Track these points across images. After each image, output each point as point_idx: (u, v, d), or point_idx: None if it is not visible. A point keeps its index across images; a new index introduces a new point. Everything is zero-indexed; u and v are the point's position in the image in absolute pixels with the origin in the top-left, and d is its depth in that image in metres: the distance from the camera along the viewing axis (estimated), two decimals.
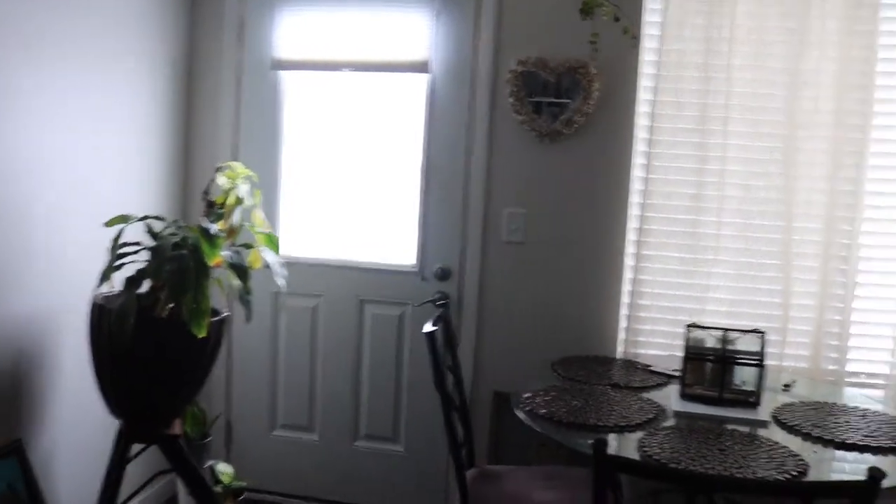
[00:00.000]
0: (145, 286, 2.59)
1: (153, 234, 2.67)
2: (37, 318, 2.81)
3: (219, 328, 2.71)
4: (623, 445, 2.30)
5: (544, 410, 2.48)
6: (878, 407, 2.76)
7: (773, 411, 2.61)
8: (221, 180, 2.84)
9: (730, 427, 2.44)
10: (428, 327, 2.61)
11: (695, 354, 2.70)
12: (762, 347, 2.67)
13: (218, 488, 3.31)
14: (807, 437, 2.39)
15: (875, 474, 1.64)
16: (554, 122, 3.30)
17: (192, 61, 3.64)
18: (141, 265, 2.60)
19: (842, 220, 3.14)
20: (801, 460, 2.16)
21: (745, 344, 2.73)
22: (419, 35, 3.42)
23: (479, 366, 3.48)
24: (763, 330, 2.73)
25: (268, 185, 3.48)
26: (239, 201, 2.80)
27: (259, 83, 3.59)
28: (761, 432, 2.43)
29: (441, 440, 3.45)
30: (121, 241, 2.59)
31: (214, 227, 2.59)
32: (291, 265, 3.13)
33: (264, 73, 3.58)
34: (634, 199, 3.32)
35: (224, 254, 2.60)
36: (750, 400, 2.64)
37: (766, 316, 3.20)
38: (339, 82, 3.56)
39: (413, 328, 3.54)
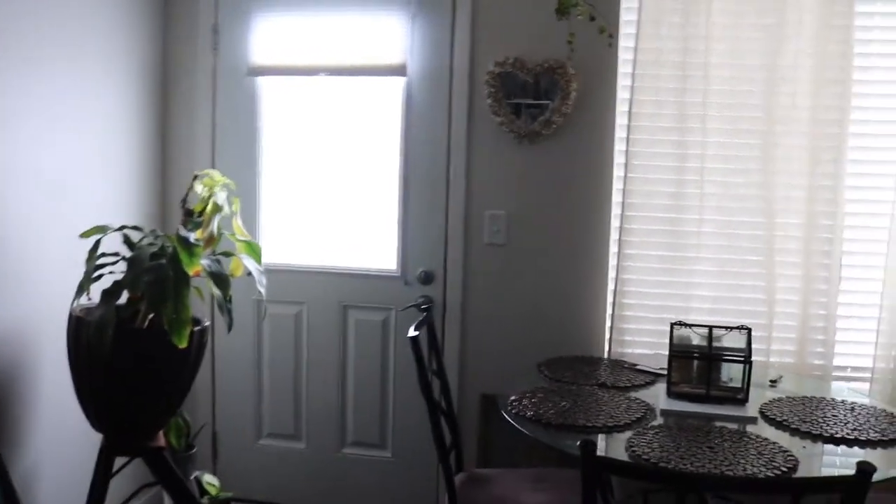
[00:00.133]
0: (124, 297, 2.55)
1: (131, 245, 2.64)
2: (14, 333, 2.76)
3: (200, 338, 2.67)
4: (612, 446, 2.29)
5: (532, 412, 2.46)
6: (865, 400, 2.76)
7: (761, 407, 2.60)
8: (199, 188, 2.80)
9: (718, 424, 2.43)
10: (412, 332, 2.59)
11: (681, 352, 2.69)
12: (748, 344, 2.67)
13: (204, 500, 3.27)
14: (795, 432, 2.39)
15: (865, 468, 1.63)
16: (532, 124, 3.29)
17: (166, 68, 3.60)
18: (119, 276, 2.56)
19: (823, 214, 3.15)
20: (791, 456, 2.16)
21: (731, 341, 2.73)
22: (395, 38, 3.40)
23: (465, 369, 3.46)
24: (748, 326, 2.72)
25: (247, 193, 3.44)
26: (217, 209, 2.76)
27: (235, 89, 3.56)
28: (750, 429, 2.42)
29: (429, 445, 3.39)
30: (98, 251, 2.55)
31: (193, 236, 2.56)
32: (273, 272, 3.10)
33: (240, 79, 3.54)
34: (615, 198, 3.31)
35: (203, 262, 2.57)
36: (737, 397, 2.63)
37: (751, 312, 3.20)
38: (316, 87, 3.53)
39: (397, 333, 3.51)
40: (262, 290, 2.75)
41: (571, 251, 3.36)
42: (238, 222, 2.88)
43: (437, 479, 3.49)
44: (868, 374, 3.17)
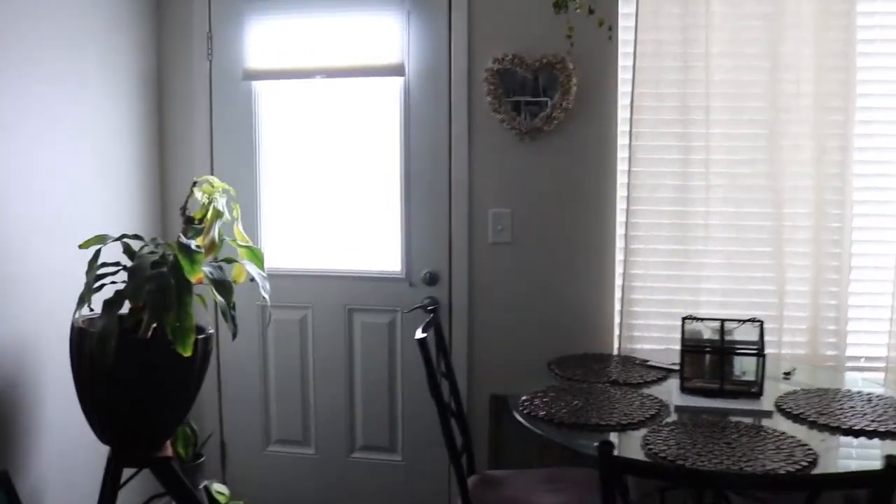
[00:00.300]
0: (126, 307, 2.52)
1: (131, 254, 2.60)
2: (16, 345, 2.72)
3: (205, 346, 2.63)
4: (627, 444, 2.24)
5: (544, 412, 2.42)
6: (881, 390, 2.72)
7: (777, 400, 2.56)
8: (199, 195, 2.77)
9: (734, 419, 2.39)
10: (419, 333, 2.54)
11: (693, 347, 2.65)
12: (761, 336, 2.63)
13: None
14: (813, 425, 2.34)
15: (893, 462, 1.59)
16: (533, 120, 3.25)
17: (161, 76, 3.57)
18: (120, 286, 2.52)
19: (831, 203, 3.11)
20: (810, 450, 2.12)
21: (743, 334, 2.69)
22: (391, 37, 3.36)
23: (474, 370, 3.43)
24: (760, 319, 2.68)
25: (247, 198, 3.41)
26: (218, 215, 2.73)
27: (231, 94, 3.52)
28: (766, 423, 2.38)
29: (440, 447, 3.35)
30: (98, 262, 2.52)
31: (194, 243, 2.52)
32: (276, 277, 3.06)
33: (236, 84, 3.50)
34: (620, 192, 3.27)
35: (205, 269, 2.53)
36: (752, 390, 2.59)
37: (761, 304, 3.16)
38: (313, 90, 3.49)
39: (404, 335, 3.48)
40: (266, 296, 2.72)
41: (577, 247, 3.32)
42: (239, 228, 2.85)
43: (449, 481, 3.45)
44: (882, 364, 3.12)
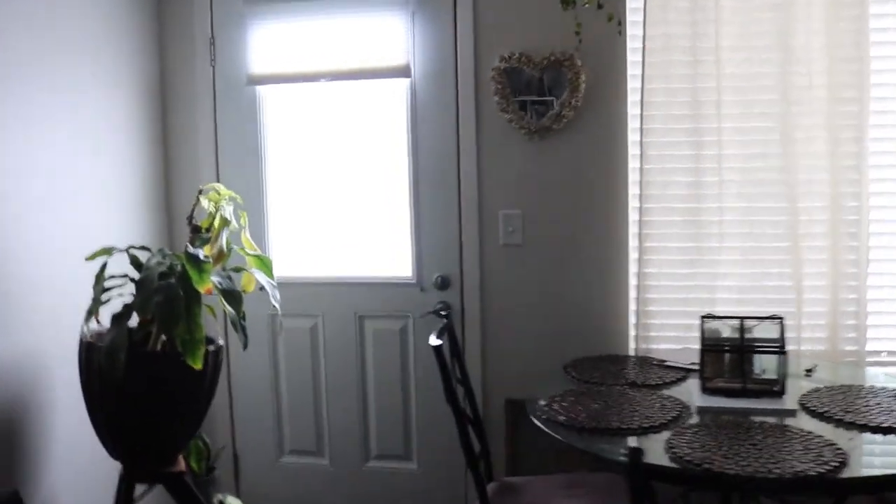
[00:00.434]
0: (135, 320, 2.48)
1: (138, 265, 2.56)
2: (24, 361, 2.68)
3: (215, 357, 2.59)
4: (650, 447, 2.18)
5: (563, 417, 2.37)
6: None
7: (800, 399, 2.50)
8: (205, 203, 2.73)
9: (758, 420, 2.33)
10: (434, 340, 2.49)
11: (714, 346, 2.60)
12: (782, 333, 2.58)
13: None
14: (839, 423, 2.28)
15: None
16: (542, 119, 3.20)
17: (164, 83, 3.53)
18: (128, 298, 2.48)
19: (848, 195, 3.05)
20: (839, 449, 2.06)
21: (763, 331, 2.64)
22: (396, 39, 3.31)
23: (488, 374, 3.38)
24: (781, 315, 2.63)
25: (254, 205, 3.37)
26: (225, 223, 2.69)
27: (235, 100, 3.48)
28: (790, 422, 2.32)
29: (456, 454, 3.32)
30: (105, 274, 2.48)
31: (202, 253, 2.47)
32: (285, 285, 3.01)
33: (240, 90, 3.46)
34: (632, 190, 3.22)
35: (214, 280, 2.49)
36: (774, 389, 2.54)
37: (779, 300, 3.10)
38: (319, 93, 3.45)
39: (416, 341, 3.43)
40: (277, 305, 2.68)
41: (590, 247, 3.26)
42: (247, 236, 2.82)
43: (466, 488, 3.40)
44: None
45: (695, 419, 2.37)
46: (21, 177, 2.67)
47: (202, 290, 2.38)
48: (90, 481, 2.93)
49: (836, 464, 1.96)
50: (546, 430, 2.33)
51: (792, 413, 2.41)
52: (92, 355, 2.45)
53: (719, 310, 2.98)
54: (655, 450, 2.16)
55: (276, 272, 2.80)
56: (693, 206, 3.15)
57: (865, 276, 3.06)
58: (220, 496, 3.29)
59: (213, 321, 2.76)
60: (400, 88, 3.36)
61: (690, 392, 2.60)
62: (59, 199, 2.86)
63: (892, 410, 2.34)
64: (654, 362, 2.97)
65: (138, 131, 3.36)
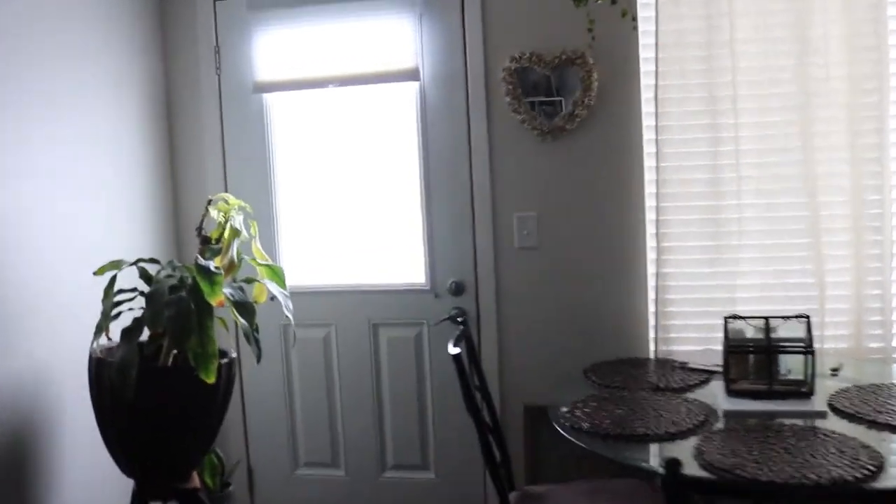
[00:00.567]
0: (145, 334, 2.43)
1: (148, 278, 2.51)
2: (32, 380, 2.63)
3: (228, 371, 2.54)
4: (678, 454, 2.11)
5: (587, 424, 2.30)
6: None
7: (829, 399, 2.43)
8: (214, 213, 2.68)
9: (787, 422, 2.26)
10: (452, 348, 2.43)
11: (739, 347, 2.53)
12: (808, 332, 2.51)
13: None
14: (872, 424, 2.21)
15: None
16: (555, 119, 3.14)
17: (170, 93, 3.48)
18: (138, 313, 2.43)
19: (869, 188, 2.99)
20: (875, 452, 1.99)
21: (787, 330, 2.57)
22: (404, 41, 3.25)
23: (505, 380, 3.31)
24: (806, 314, 2.56)
25: (263, 214, 3.32)
26: (235, 234, 2.64)
27: (242, 109, 3.43)
28: (821, 424, 2.25)
29: (474, 462, 3.31)
30: (114, 288, 2.43)
31: (212, 265, 2.42)
32: (296, 294, 2.95)
33: (246, 98, 3.41)
34: (648, 189, 3.16)
35: (226, 291, 2.43)
36: (802, 390, 2.47)
37: (801, 297, 3.04)
38: (327, 99, 3.39)
39: (432, 348, 3.37)
40: (290, 315, 2.63)
41: (607, 249, 3.20)
42: (257, 246, 2.77)
43: (485, 497, 3.34)
44: None
45: (722, 423, 2.30)
46: (24, 195, 2.62)
47: (214, 302, 2.33)
48: (102, 499, 2.88)
49: (874, 467, 1.89)
50: (570, 437, 2.26)
51: (822, 415, 2.34)
52: (102, 371, 2.40)
53: (740, 309, 2.93)
54: (684, 456, 2.09)
55: (287, 281, 2.75)
56: (711, 203, 3.09)
57: (890, 271, 2.99)
58: None
59: (225, 333, 2.71)
60: (409, 92, 3.31)
61: (715, 395, 2.54)
62: (63, 212, 2.81)
63: None
64: (676, 365, 2.90)
65: (144, 141, 3.32)
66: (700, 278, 3.13)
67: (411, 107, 3.31)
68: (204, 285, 2.32)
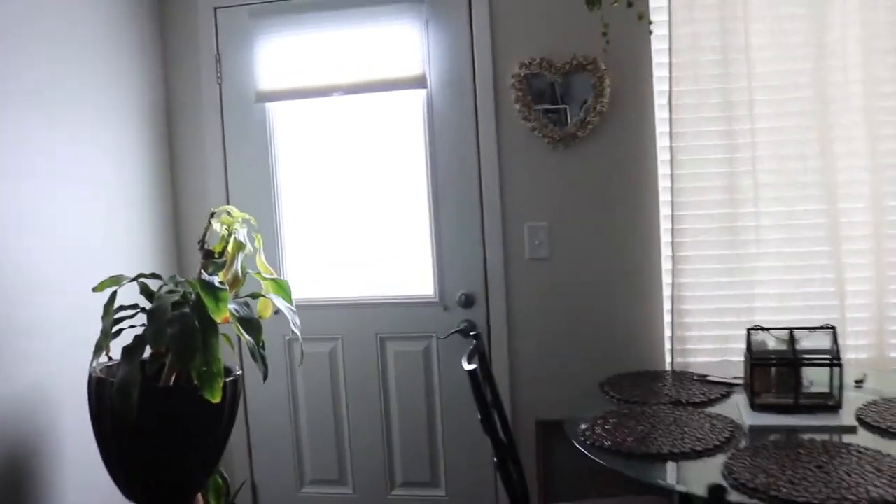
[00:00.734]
0: (147, 352, 2.33)
1: (149, 294, 2.42)
2: (30, 401, 2.53)
3: (233, 389, 2.46)
4: (707, 474, 2.03)
5: (609, 442, 2.21)
6: None
7: (857, 413, 2.35)
8: (217, 226, 2.59)
9: (818, 438, 2.17)
10: (467, 364, 2.33)
11: (763, 360, 2.44)
12: (835, 343, 2.42)
13: None
14: None
15: None
16: (566, 126, 3.06)
17: (170, 103, 3.40)
18: (139, 330, 2.34)
19: (890, 195, 2.93)
20: None
21: (811, 341, 2.48)
22: (411, 47, 3.17)
23: (517, 394, 3.22)
24: (832, 325, 2.48)
25: (266, 226, 3.24)
26: (240, 247, 2.55)
27: (244, 118, 3.34)
28: (851, 440, 2.17)
29: (485, 480, 3.23)
30: (115, 305, 2.34)
31: (216, 280, 2.34)
32: (301, 308, 2.84)
33: (249, 108, 3.33)
34: (663, 197, 3.08)
35: (231, 307, 2.34)
36: (829, 403, 2.38)
37: (821, 307, 2.97)
38: (331, 108, 3.31)
39: (441, 362, 3.28)
40: (297, 331, 2.54)
41: (620, 259, 3.11)
42: (262, 259, 2.68)
43: None
44: None
45: (748, 440, 2.21)
46: (23, 209, 2.53)
47: (219, 319, 2.24)
48: None
49: None
50: (592, 456, 2.17)
51: (851, 429, 2.25)
52: (103, 392, 2.31)
53: (758, 319, 2.88)
54: (712, 475, 2.01)
55: (292, 295, 2.66)
56: (728, 211, 3.02)
57: None
58: None
59: (229, 350, 2.61)
60: (416, 100, 3.23)
61: (738, 409, 2.45)
62: (64, 230, 2.72)
63: None
64: (695, 377, 2.83)
65: (143, 153, 3.23)
66: (717, 288, 3.05)
67: (418, 115, 3.23)
68: (208, 302, 2.23)
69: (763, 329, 2.52)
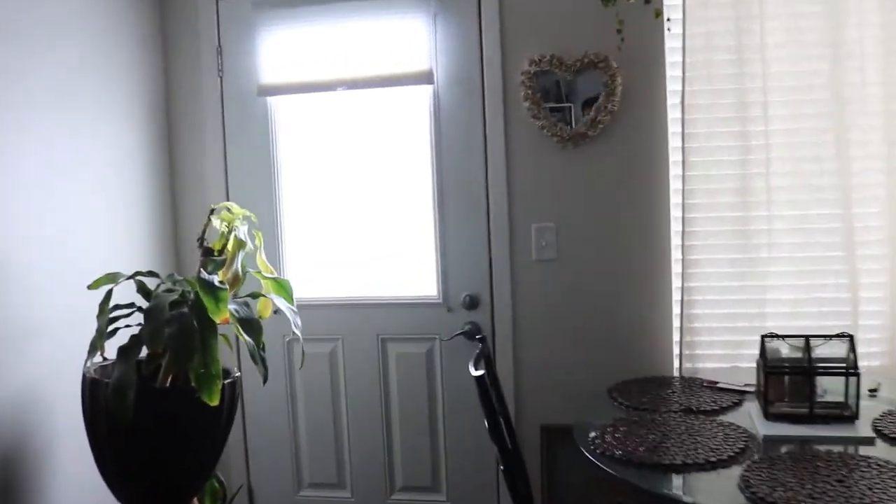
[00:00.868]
0: (144, 352, 2.26)
1: (146, 293, 2.35)
2: (22, 403, 2.46)
3: (232, 391, 2.39)
4: (723, 487, 1.96)
5: (620, 451, 2.14)
6: None
7: (874, 423, 2.28)
8: (217, 223, 2.52)
9: (835, 450, 2.10)
10: (474, 370, 2.26)
11: (778, 368, 2.37)
12: (852, 351, 2.35)
13: None
14: None
15: None
16: (576, 125, 2.99)
17: (169, 96, 3.32)
18: (136, 329, 2.27)
19: None
20: None
21: (826, 349, 2.41)
22: (418, 42, 3.09)
23: (522, 399, 3.15)
24: (849, 332, 2.41)
25: (267, 223, 3.16)
26: (240, 245, 2.47)
27: (246, 113, 3.27)
28: (870, 451, 2.10)
29: (488, 485, 3.16)
30: (110, 303, 2.26)
31: (216, 279, 2.26)
32: (301, 308, 2.76)
33: (251, 102, 3.25)
34: (674, 199, 3.01)
35: (230, 307, 2.27)
36: (845, 413, 2.31)
37: (834, 313, 2.91)
38: (335, 103, 3.23)
39: (443, 364, 3.21)
40: (298, 332, 2.47)
41: (630, 261, 3.04)
42: (262, 258, 2.60)
43: None
44: None
45: (762, 450, 2.14)
46: (16, 205, 2.45)
47: (219, 320, 2.17)
48: None
49: None
50: (602, 466, 2.10)
51: (869, 441, 2.19)
52: (97, 393, 2.24)
53: (770, 325, 2.82)
54: (727, 488, 1.94)
55: (292, 293, 2.59)
56: (740, 214, 2.95)
57: None
58: None
59: (228, 350, 2.54)
60: (422, 96, 3.15)
61: (751, 418, 2.38)
62: (58, 225, 2.64)
63: None
64: (705, 384, 2.76)
65: (142, 148, 3.15)
66: (728, 292, 2.98)
67: (424, 111, 3.16)
68: (208, 301, 2.15)
69: (778, 336, 2.44)
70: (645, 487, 2.00)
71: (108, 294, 2.26)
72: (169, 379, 2.31)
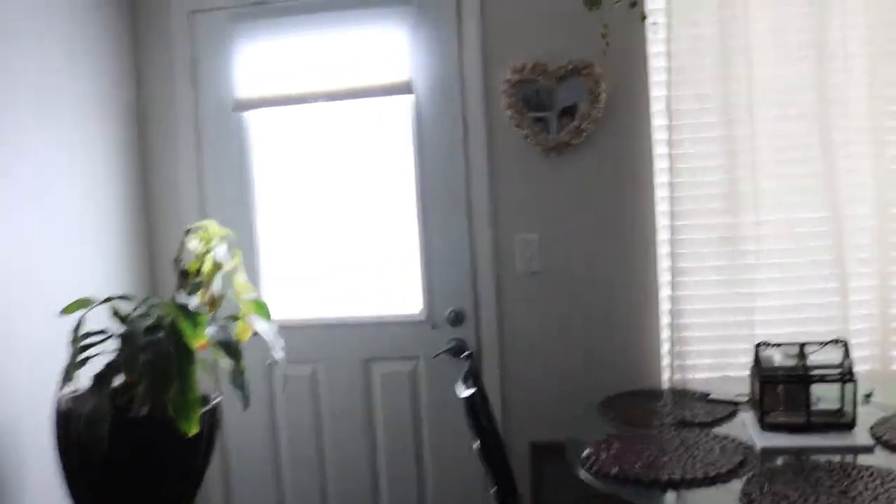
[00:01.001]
0: (118, 380, 2.17)
1: (121, 318, 2.25)
2: None
3: (212, 418, 2.30)
4: (720, 502, 1.90)
5: (616, 469, 2.07)
6: None
7: (872, 431, 2.23)
8: (193, 244, 2.43)
9: (835, 460, 2.05)
10: (463, 391, 2.18)
11: (773, 377, 2.32)
12: (847, 358, 2.30)
13: None
14: None
15: None
16: (560, 133, 2.93)
17: (142, 112, 3.22)
18: (110, 356, 2.17)
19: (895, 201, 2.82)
20: None
21: (820, 355, 2.36)
22: (397, 53, 3.03)
23: (509, 415, 3.07)
24: (844, 338, 2.36)
25: (244, 242, 3.05)
26: (218, 266, 2.38)
27: (221, 128, 3.18)
28: (871, 461, 2.05)
29: None
30: (83, 330, 2.18)
31: (194, 302, 2.18)
32: (281, 329, 2.68)
33: (226, 117, 3.17)
34: (661, 207, 2.96)
35: (208, 331, 2.18)
36: (841, 421, 2.26)
37: (823, 318, 2.87)
38: (314, 115, 3.16)
39: (428, 383, 3.12)
40: (279, 356, 2.38)
41: (616, 272, 2.99)
42: (241, 279, 2.51)
43: None
44: None
45: (760, 462, 2.09)
46: None
47: (196, 344, 2.08)
48: None
49: None
50: (597, 485, 2.03)
51: (869, 449, 2.14)
52: (70, 425, 2.14)
53: (759, 332, 2.79)
54: None
55: (270, 315, 2.51)
56: (728, 220, 2.90)
57: None
58: None
59: (207, 376, 2.45)
60: (402, 106, 3.09)
61: (746, 428, 2.33)
62: (24, 249, 2.53)
63: None
64: (696, 396, 2.71)
65: (113, 164, 3.05)
66: (716, 300, 2.93)
67: (405, 122, 3.09)
68: (185, 326, 2.07)
69: (772, 344, 2.39)
70: None
71: (81, 320, 2.17)
72: (145, 408, 2.22)
